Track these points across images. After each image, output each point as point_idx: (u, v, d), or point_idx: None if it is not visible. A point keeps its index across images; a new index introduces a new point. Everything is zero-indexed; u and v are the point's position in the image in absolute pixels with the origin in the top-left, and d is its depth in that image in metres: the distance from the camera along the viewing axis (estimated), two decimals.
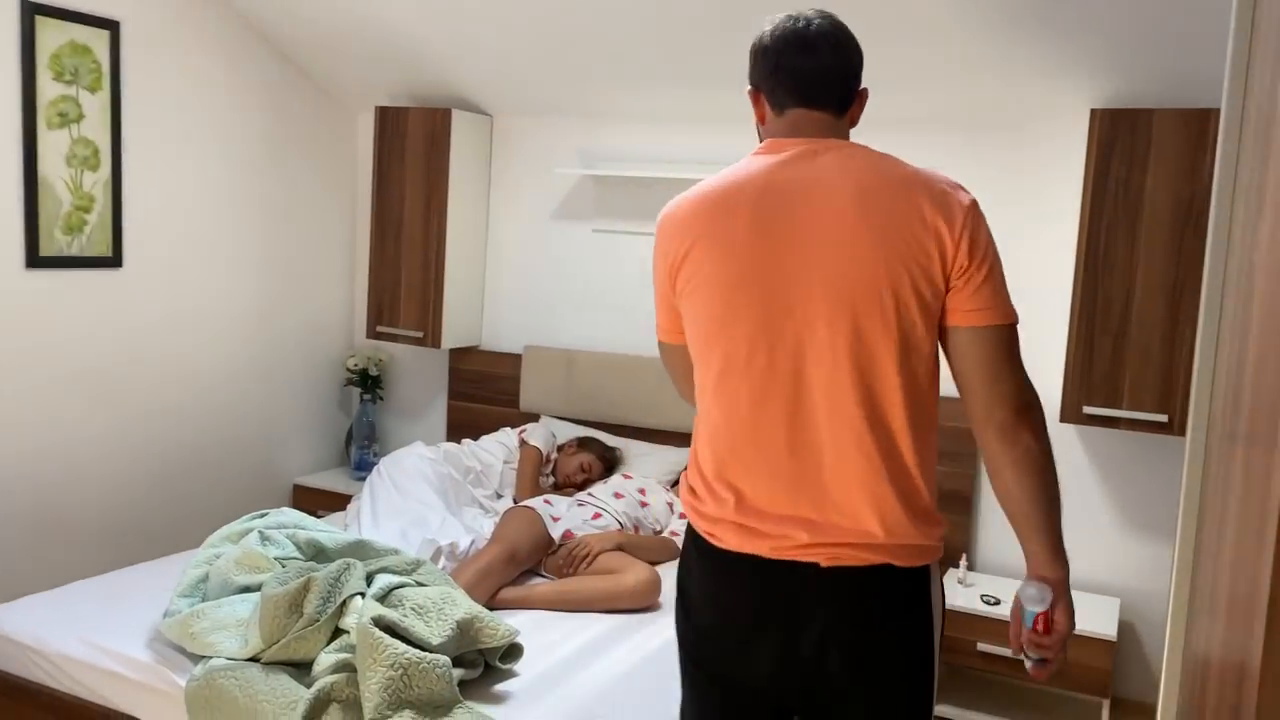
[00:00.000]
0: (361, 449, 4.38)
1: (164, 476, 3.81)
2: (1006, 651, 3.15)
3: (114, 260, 3.54)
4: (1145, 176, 3.01)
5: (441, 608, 2.19)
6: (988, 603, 3.23)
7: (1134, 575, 3.36)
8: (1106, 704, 3.10)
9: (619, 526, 3.13)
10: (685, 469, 1.70)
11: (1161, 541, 3.33)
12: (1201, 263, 2.98)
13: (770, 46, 1.54)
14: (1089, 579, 3.41)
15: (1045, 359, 3.36)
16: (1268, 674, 0.54)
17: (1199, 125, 2.95)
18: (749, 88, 1.60)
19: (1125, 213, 3.05)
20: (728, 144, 3.81)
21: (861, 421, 1.46)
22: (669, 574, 2.89)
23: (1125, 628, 3.36)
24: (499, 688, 2.20)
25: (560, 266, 4.17)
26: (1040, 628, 1.54)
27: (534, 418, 4.12)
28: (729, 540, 1.50)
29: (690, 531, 1.58)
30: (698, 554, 1.56)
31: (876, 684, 1.50)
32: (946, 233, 1.46)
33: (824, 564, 1.47)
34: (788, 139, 1.53)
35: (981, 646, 3.18)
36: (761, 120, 1.60)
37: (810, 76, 1.52)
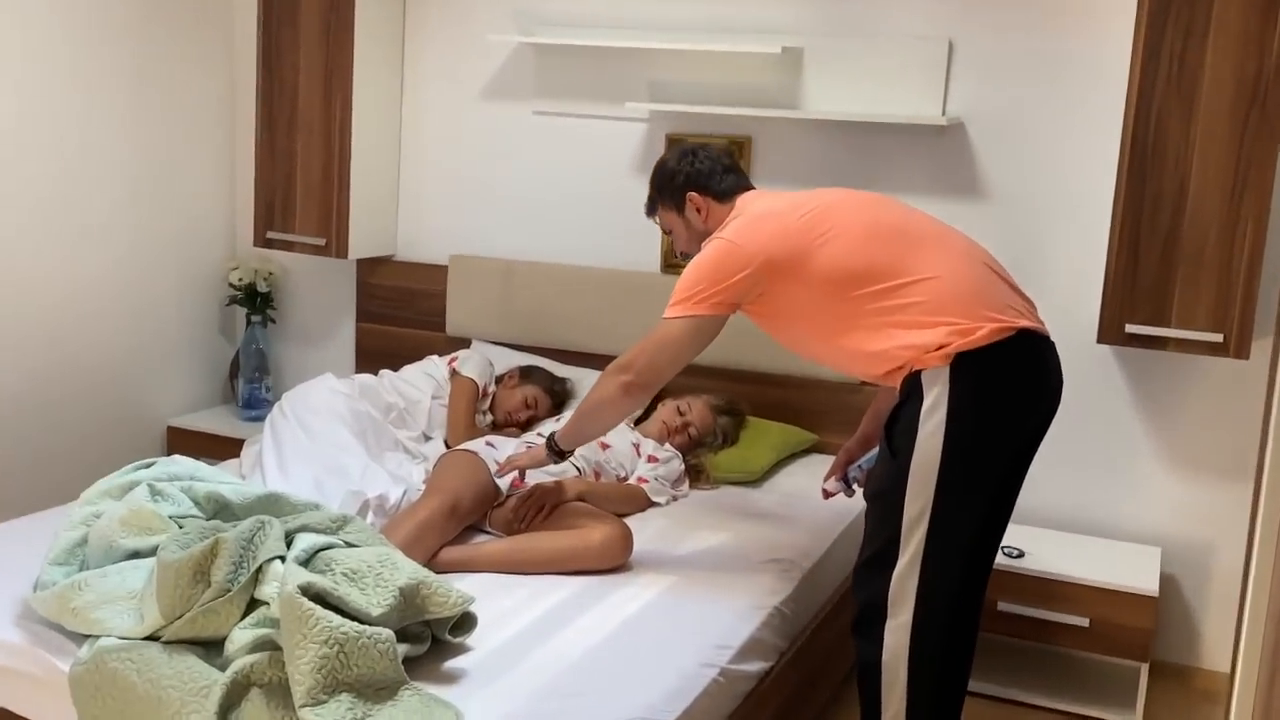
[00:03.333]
0: (251, 383, 4.35)
1: (6, 420, 3.75)
2: (1033, 611, 3.27)
3: None
4: (1204, 51, 3.07)
5: (379, 572, 2.20)
6: (1010, 555, 3.34)
7: (1178, 520, 3.50)
8: (1145, 669, 3.25)
9: (577, 473, 3.17)
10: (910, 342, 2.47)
11: (1211, 481, 3.46)
12: (1270, 151, 3.06)
13: (711, 165, 2.80)
14: (1125, 525, 3.54)
15: (1084, 268, 3.44)
16: None
17: None
18: (692, 194, 2.78)
19: (1179, 94, 3.10)
20: (689, 8, 3.79)
21: None
22: (639, 528, 2.94)
23: (1167, 581, 3.50)
24: (450, 665, 2.24)
25: (494, 157, 4.13)
26: None
27: (464, 343, 4.11)
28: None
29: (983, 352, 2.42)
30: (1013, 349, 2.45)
31: None
32: None
33: None
34: (757, 191, 2.84)
35: (1003, 606, 3.30)
36: (705, 214, 2.78)
37: (740, 170, 2.86)
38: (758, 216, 2.66)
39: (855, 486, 2.83)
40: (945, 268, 2.50)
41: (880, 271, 2.50)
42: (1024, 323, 2.46)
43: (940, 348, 2.42)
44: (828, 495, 2.90)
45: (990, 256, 2.61)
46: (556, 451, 2.84)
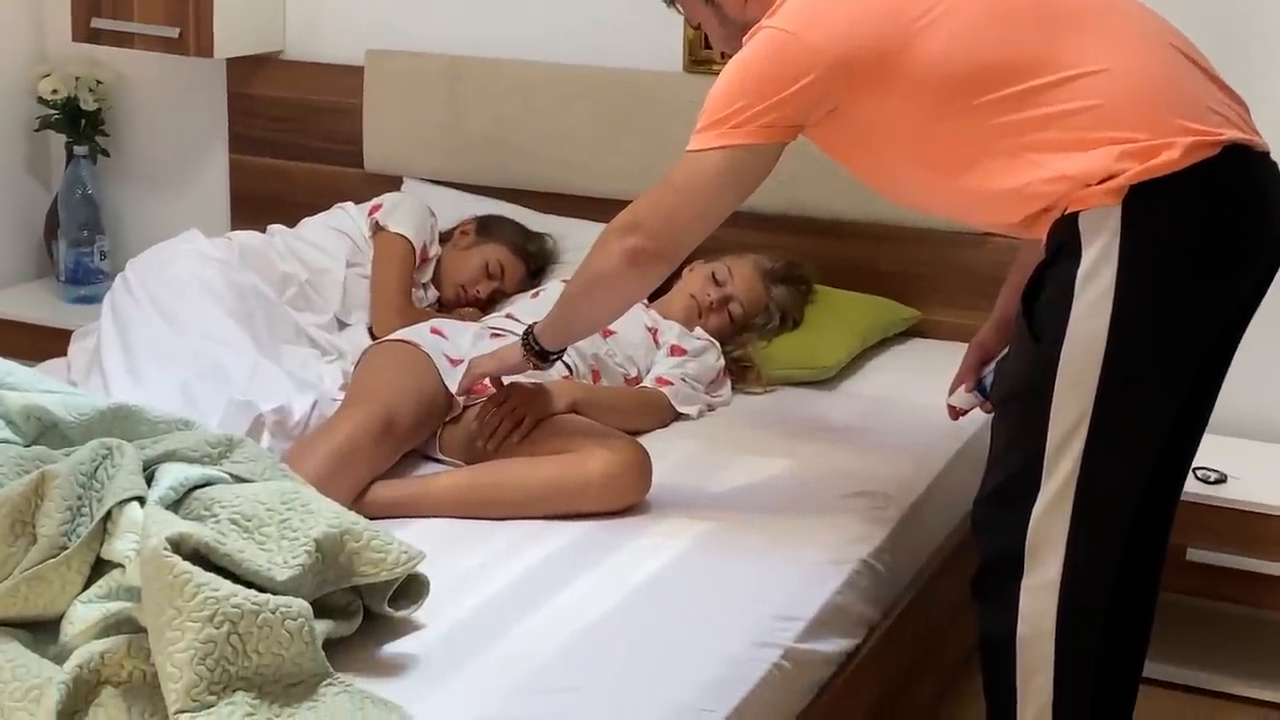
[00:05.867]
0: (78, 246, 4.37)
1: None
2: (1238, 561, 3.31)
3: None
4: None
5: (285, 518, 2.21)
6: (1205, 480, 3.36)
7: None
8: None
9: (567, 372, 3.19)
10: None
11: None
12: None
13: None
14: None
15: None
16: None
17: None
18: None
19: None
20: None
21: None
22: (661, 451, 2.97)
23: None
24: (391, 649, 2.26)
25: None
26: None
27: (392, 184, 4.12)
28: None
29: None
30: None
31: None
32: None
33: None
34: None
35: (1193, 553, 3.34)
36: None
37: None
38: None
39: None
40: (1115, 57, 2.45)
41: (1016, 66, 2.47)
42: (1231, 133, 2.42)
43: (1108, 178, 2.38)
44: (957, 414, 2.90)
45: (1182, 37, 2.56)
46: (537, 352, 2.86)
